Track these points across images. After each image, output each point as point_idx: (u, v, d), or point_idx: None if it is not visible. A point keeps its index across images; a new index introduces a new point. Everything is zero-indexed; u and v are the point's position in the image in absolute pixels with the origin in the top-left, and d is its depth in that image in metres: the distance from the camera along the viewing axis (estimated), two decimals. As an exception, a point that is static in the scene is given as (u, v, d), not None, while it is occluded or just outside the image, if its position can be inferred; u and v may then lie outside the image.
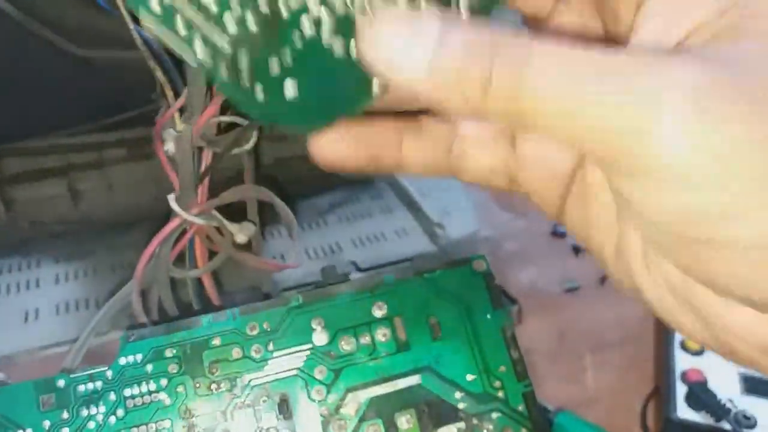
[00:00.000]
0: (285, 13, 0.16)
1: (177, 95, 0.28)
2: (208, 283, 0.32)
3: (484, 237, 0.53)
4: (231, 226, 0.30)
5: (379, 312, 0.22)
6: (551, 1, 0.19)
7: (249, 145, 0.27)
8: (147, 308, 0.31)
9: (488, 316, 0.23)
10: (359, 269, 0.50)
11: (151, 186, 0.56)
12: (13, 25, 0.34)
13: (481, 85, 0.14)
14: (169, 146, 0.29)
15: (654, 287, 0.17)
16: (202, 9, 0.16)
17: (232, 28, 0.16)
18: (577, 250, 0.53)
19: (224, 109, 0.27)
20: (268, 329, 0.21)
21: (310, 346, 0.21)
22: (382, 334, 0.22)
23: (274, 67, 0.16)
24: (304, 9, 0.17)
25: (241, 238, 0.30)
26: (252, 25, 0.16)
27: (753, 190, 0.13)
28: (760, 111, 0.13)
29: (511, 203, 0.58)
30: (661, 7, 0.16)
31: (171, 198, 0.28)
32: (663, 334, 0.44)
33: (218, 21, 0.16)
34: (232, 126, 0.27)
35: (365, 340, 0.21)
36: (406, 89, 0.15)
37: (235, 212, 0.32)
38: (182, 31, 0.16)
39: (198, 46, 0.16)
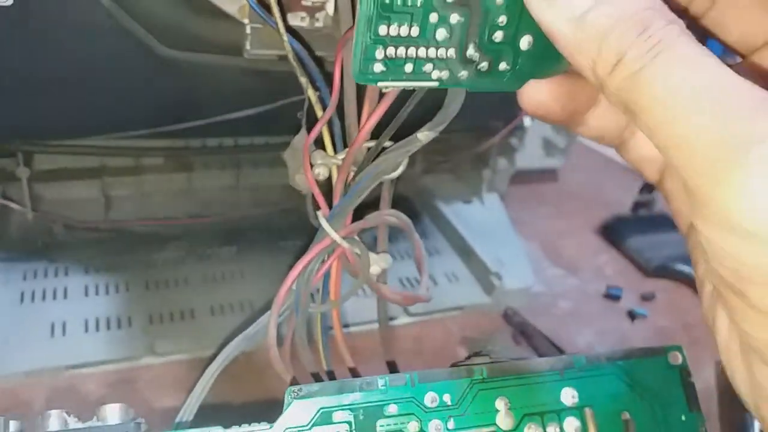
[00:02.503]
0: None
1: (325, 109, 0.26)
2: (337, 318, 0.29)
3: (537, 292, 0.51)
4: (372, 256, 0.27)
5: (569, 399, 0.19)
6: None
7: (397, 173, 0.25)
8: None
9: (683, 418, 0.20)
10: (409, 314, 0.47)
11: (187, 200, 0.53)
12: (102, 14, 0.32)
13: (614, 58, 0.14)
14: (320, 171, 0.26)
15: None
16: (415, 40, 0.17)
17: (442, 35, 0.17)
18: (632, 315, 0.50)
19: (374, 135, 0.24)
20: (449, 403, 0.18)
21: (493, 429, 0.18)
22: (571, 426, 0.19)
23: (498, 35, 0.17)
24: None
25: (375, 268, 0.27)
26: (457, 19, 0.17)
27: None
28: None
29: (562, 259, 0.56)
30: None
31: (322, 218, 0.25)
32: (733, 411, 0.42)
33: (431, 40, 0.17)
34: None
35: (553, 429, 0.19)
36: (547, 32, 0.16)
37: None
38: (409, 70, 0.18)
39: (429, 69, 0.18)
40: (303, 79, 0.27)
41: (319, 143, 0.27)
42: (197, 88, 0.38)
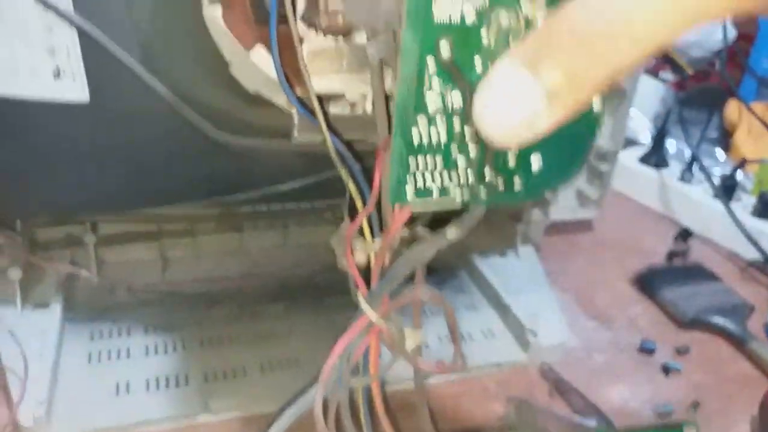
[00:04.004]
0: None
1: (364, 203, 0.29)
2: (377, 391, 0.31)
3: (572, 347, 0.52)
4: (407, 331, 0.30)
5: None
6: None
7: (423, 256, 0.27)
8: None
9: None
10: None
11: (238, 259, 0.57)
12: (161, 103, 0.35)
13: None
14: (360, 257, 0.29)
15: None
16: (440, 169, 0.20)
17: (463, 163, 0.20)
18: (666, 369, 0.51)
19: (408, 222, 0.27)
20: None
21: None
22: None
23: (511, 158, 0.20)
24: None
25: (410, 343, 0.30)
26: (474, 151, 0.20)
27: None
28: None
29: (596, 311, 0.57)
30: None
31: (361, 299, 0.28)
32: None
33: (453, 167, 0.20)
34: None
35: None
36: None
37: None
38: (436, 194, 0.21)
39: (453, 192, 0.21)
40: (343, 172, 0.30)
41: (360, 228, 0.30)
42: (248, 167, 0.41)
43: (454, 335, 0.31)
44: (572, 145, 0.20)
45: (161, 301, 0.51)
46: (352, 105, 0.34)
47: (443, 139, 0.19)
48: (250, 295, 0.53)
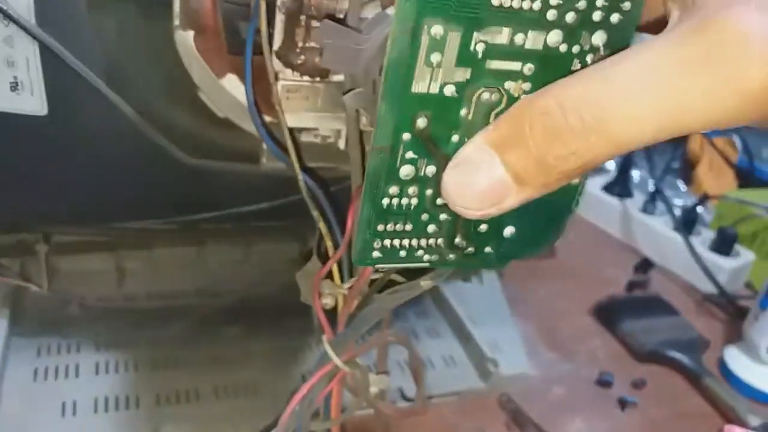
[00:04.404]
0: None
1: (336, 245, 0.28)
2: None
3: (532, 378, 0.52)
4: (371, 377, 0.29)
5: None
6: None
7: (394, 304, 0.27)
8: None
9: None
10: (405, 398, 0.49)
11: (197, 275, 0.55)
12: (127, 124, 0.34)
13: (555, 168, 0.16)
14: (327, 300, 0.28)
15: None
16: (408, 234, 0.20)
17: (432, 229, 0.20)
18: (623, 403, 0.52)
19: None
20: None
21: None
22: None
23: (483, 227, 0.20)
24: None
25: (374, 389, 0.29)
26: (445, 217, 0.19)
27: None
28: None
29: (557, 342, 0.57)
30: None
31: (326, 344, 0.28)
32: None
33: (423, 233, 0.20)
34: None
35: None
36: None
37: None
38: (403, 255, 0.20)
39: (421, 254, 0.20)
40: (315, 213, 0.29)
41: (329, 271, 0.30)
42: (214, 189, 0.40)
43: (419, 380, 0.31)
44: (548, 215, 0.20)
45: (115, 316, 0.50)
46: (325, 137, 0.33)
47: (414, 206, 0.19)
48: (207, 314, 0.52)
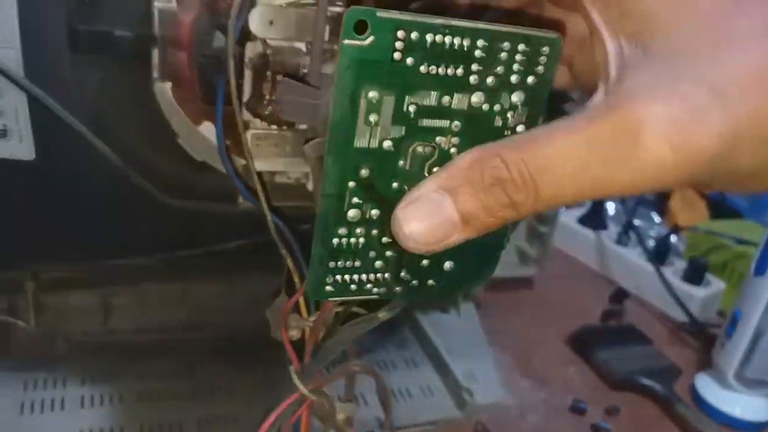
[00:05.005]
0: None
1: (303, 280, 0.30)
2: None
3: (507, 406, 0.54)
4: (338, 405, 0.31)
5: None
6: None
7: (356, 334, 0.29)
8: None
9: None
10: (382, 427, 0.50)
11: (182, 310, 0.57)
12: (112, 170, 0.36)
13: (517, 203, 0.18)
14: (294, 332, 0.30)
15: None
16: (357, 270, 0.22)
17: (380, 265, 0.21)
18: (597, 430, 0.53)
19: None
20: None
21: None
22: None
23: (424, 262, 0.22)
24: None
25: (342, 416, 0.31)
26: (391, 254, 0.21)
27: None
28: None
29: (533, 370, 0.59)
30: None
31: (293, 373, 0.29)
32: None
33: (371, 269, 0.22)
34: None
35: None
36: None
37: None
38: (354, 288, 0.22)
39: (370, 287, 0.22)
40: (283, 251, 0.31)
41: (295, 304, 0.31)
42: (196, 227, 0.42)
43: (386, 409, 0.33)
44: (483, 252, 0.22)
45: (100, 350, 0.51)
46: (298, 178, 0.35)
47: (362, 244, 0.21)
48: (192, 348, 0.53)
